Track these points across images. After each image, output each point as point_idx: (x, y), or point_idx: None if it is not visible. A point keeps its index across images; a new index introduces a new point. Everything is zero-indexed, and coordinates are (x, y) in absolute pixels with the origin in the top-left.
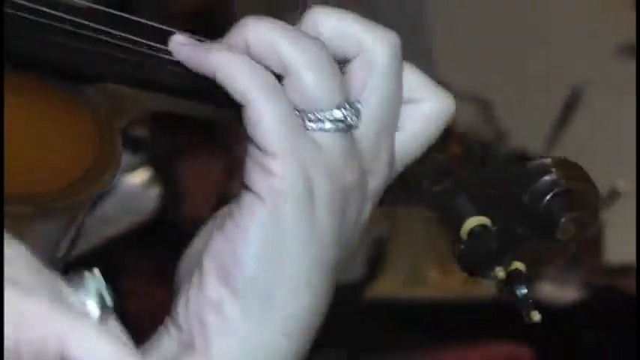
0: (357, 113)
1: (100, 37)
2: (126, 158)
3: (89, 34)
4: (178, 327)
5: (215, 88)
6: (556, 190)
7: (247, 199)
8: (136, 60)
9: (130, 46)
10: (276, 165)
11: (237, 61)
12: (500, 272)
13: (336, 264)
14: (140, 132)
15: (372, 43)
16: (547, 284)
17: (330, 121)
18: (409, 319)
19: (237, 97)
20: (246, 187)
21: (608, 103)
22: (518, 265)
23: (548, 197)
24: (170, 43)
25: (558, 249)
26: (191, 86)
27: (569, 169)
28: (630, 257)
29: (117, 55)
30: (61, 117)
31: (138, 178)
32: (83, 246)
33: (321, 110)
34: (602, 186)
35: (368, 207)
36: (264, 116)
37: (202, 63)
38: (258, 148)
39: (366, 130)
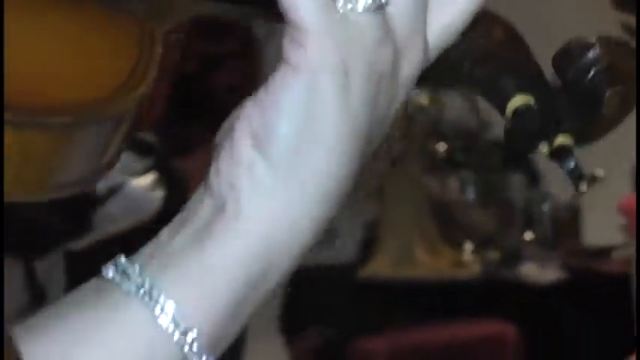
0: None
1: None
2: (134, 163)
3: None
4: (211, 193)
5: None
6: (599, 65)
7: (282, 70)
8: None
9: None
10: (310, 40)
11: None
12: (544, 148)
13: (366, 143)
14: (148, 137)
15: None
16: (529, 265)
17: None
18: (400, 298)
19: None
20: (283, 62)
21: None
22: (565, 139)
23: (592, 72)
24: None
25: (603, 124)
26: None
27: (613, 45)
28: (606, 240)
29: None
30: (101, 26)
31: (143, 180)
32: (89, 241)
33: None
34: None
35: (401, 93)
36: None
37: None
38: (294, 27)
39: (398, 13)
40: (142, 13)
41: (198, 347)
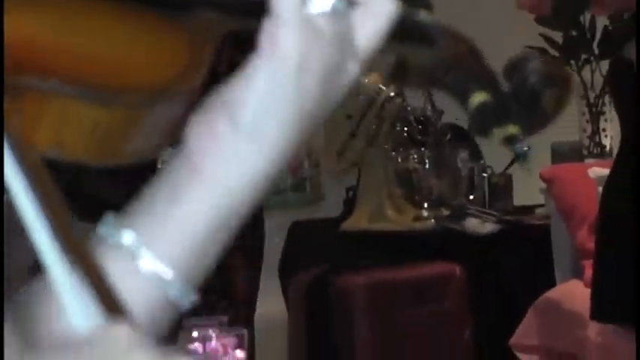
0: (348, 3)
1: None
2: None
3: None
4: (186, 153)
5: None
6: (539, 72)
7: (256, 58)
8: None
9: None
10: (282, 31)
11: None
12: (499, 133)
13: (312, 118)
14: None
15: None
16: (472, 220)
17: (328, 3)
18: (374, 245)
19: None
20: (257, 52)
21: None
22: (514, 129)
23: (533, 78)
24: None
25: (543, 117)
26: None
27: (547, 58)
28: (531, 200)
29: None
30: (164, 30)
31: None
32: None
33: None
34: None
35: (343, 86)
36: None
37: None
38: (272, 19)
39: (351, 31)
40: (197, 28)
41: (179, 285)
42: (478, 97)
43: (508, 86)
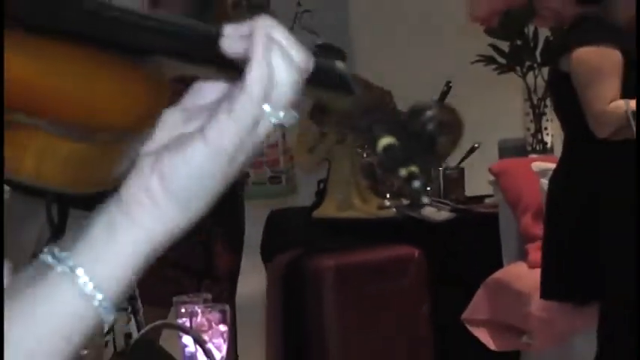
0: (292, 119)
1: (150, 24)
2: None
3: (143, 22)
4: (120, 199)
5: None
6: (435, 120)
7: (197, 138)
8: (182, 40)
9: (174, 28)
10: (230, 128)
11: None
12: (402, 172)
13: (221, 189)
14: None
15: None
16: (429, 208)
17: (278, 117)
18: (343, 231)
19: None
20: (199, 130)
21: (469, 92)
22: (414, 168)
23: (430, 125)
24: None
25: (437, 158)
26: (217, 61)
27: (443, 108)
28: (481, 191)
29: (164, 35)
30: (132, 80)
31: None
32: None
33: (277, 108)
34: (466, 144)
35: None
36: (245, 99)
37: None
38: (228, 112)
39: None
40: (156, 73)
41: (106, 305)
42: (385, 140)
43: (409, 131)
